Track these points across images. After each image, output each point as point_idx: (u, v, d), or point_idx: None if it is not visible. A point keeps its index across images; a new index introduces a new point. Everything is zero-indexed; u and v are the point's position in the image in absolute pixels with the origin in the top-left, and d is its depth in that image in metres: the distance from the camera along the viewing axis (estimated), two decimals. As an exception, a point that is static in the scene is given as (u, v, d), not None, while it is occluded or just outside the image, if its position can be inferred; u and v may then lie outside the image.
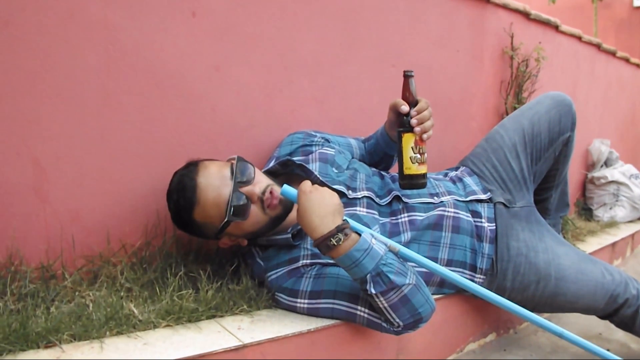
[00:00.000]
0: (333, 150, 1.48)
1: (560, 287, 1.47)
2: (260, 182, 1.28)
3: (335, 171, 1.43)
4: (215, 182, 1.23)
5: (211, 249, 1.49)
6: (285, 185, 1.19)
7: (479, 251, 1.46)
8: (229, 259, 1.46)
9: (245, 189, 1.24)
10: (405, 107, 1.34)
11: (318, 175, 1.37)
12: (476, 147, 1.71)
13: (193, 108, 1.47)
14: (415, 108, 1.33)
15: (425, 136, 1.33)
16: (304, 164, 1.40)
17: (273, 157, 1.52)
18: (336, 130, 1.73)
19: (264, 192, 1.26)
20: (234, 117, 1.54)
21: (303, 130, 1.59)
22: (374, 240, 1.14)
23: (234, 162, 1.26)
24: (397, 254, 1.19)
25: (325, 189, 1.17)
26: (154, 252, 1.40)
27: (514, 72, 2.45)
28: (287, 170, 1.44)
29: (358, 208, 1.37)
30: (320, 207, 1.12)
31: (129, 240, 1.39)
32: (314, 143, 1.51)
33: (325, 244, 1.11)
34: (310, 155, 1.45)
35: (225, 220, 1.22)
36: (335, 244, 1.11)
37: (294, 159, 1.43)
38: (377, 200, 1.42)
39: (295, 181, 1.39)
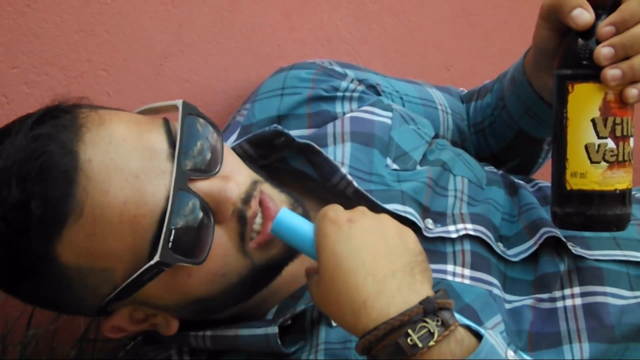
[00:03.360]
0: (389, 114, 1.15)
1: None
2: (239, 171, 0.96)
3: (393, 166, 1.10)
4: (130, 162, 0.90)
5: (70, 336, 1.18)
6: (284, 210, 0.91)
7: None
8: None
9: (203, 185, 0.92)
10: (584, 14, 0.94)
11: (349, 177, 1.04)
12: None
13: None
14: (611, 17, 0.94)
15: (632, 93, 0.94)
16: (313, 145, 1.06)
17: (236, 124, 1.19)
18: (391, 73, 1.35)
19: (247, 199, 0.94)
20: (138, 28, 1.24)
21: (313, 62, 1.22)
22: (510, 352, 0.83)
23: (179, 114, 0.95)
24: None
25: (385, 216, 0.90)
26: None
27: None
28: (270, 161, 1.10)
29: (450, 266, 1.03)
30: (377, 258, 0.84)
31: None
32: (339, 94, 1.17)
33: (392, 345, 0.81)
34: (331, 125, 1.13)
35: (156, 260, 0.89)
36: (420, 345, 0.79)
37: (291, 132, 1.09)
38: (498, 248, 1.07)
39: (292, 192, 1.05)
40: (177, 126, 0.95)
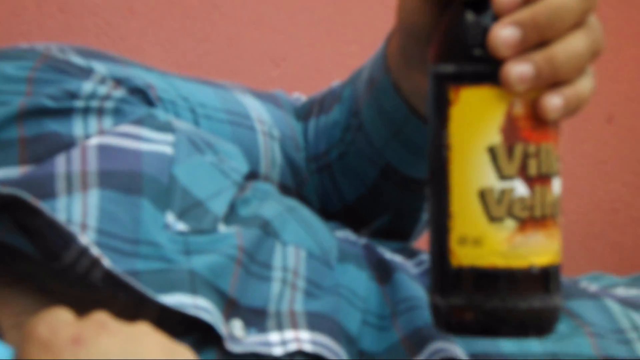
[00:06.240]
0: (168, 138, 0.92)
1: None
2: None
3: (177, 226, 0.88)
4: None
5: None
6: None
7: None
8: None
9: None
10: None
11: (96, 252, 0.82)
12: None
13: None
14: None
15: (553, 104, 0.71)
16: (25, 198, 0.83)
17: None
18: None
19: None
20: None
21: (31, 47, 0.94)
22: None
23: None
24: None
25: (143, 328, 0.75)
26: None
27: None
28: None
29: None
30: None
31: None
32: (78, 105, 0.90)
33: None
34: (62, 159, 0.88)
35: None
36: None
37: None
38: None
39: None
40: None
